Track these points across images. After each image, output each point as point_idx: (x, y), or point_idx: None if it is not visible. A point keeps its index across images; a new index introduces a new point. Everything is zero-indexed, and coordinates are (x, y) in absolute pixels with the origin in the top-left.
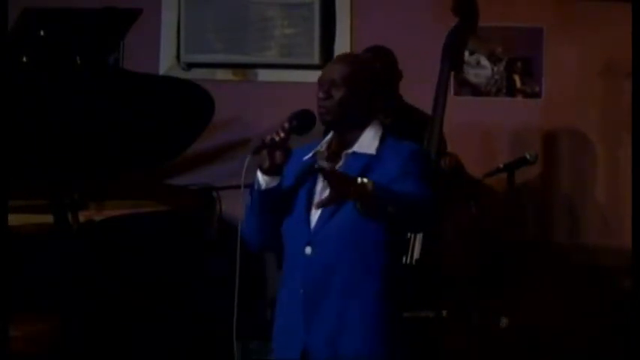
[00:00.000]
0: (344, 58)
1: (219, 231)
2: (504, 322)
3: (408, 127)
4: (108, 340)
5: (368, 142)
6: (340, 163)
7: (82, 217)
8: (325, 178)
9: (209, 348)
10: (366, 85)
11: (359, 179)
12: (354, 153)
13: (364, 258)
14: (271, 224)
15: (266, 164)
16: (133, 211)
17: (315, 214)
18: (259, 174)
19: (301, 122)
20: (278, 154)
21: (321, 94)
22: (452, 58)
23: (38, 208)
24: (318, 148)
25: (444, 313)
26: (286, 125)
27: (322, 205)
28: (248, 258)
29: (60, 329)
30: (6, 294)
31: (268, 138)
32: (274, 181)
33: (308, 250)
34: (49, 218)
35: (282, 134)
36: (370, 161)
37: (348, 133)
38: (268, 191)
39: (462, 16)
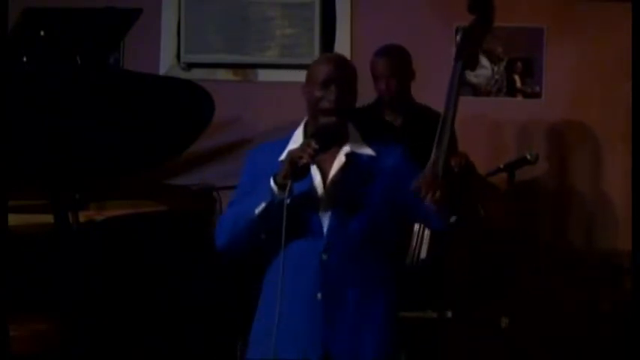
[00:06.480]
0: (340, 58)
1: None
2: (505, 322)
3: (419, 127)
4: (108, 340)
5: (357, 140)
6: (342, 162)
7: (83, 217)
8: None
9: (210, 348)
10: (355, 83)
11: None
12: (354, 153)
13: (378, 262)
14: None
15: (284, 180)
16: (133, 211)
17: (326, 219)
18: (276, 189)
19: (325, 141)
20: (303, 173)
21: (334, 93)
22: (466, 56)
23: (38, 208)
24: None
25: (449, 313)
26: (315, 146)
27: None
28: (248, 257)
29: (60, 329)
30: (6, 294)
31: (302, 162)
32: (284, 195)
33: (324, 256)
34: (49, 218)
35: (312, 155)
36: (370, 162)
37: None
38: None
39: (478, 13)
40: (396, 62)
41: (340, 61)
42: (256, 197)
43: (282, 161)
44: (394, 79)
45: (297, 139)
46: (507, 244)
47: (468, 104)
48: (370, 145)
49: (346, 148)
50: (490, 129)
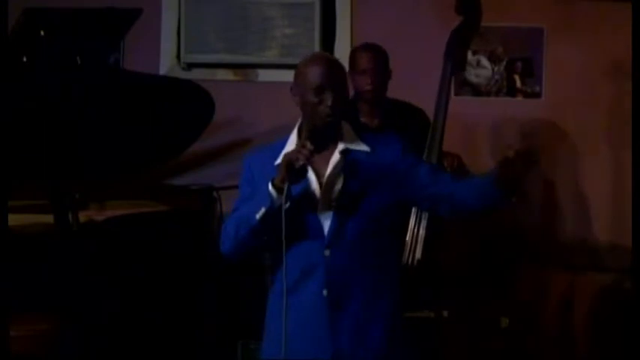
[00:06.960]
0: (330, 60)
1: (220, 231)
2: (505, 322)
3: (396, 127)
4: (108, 340)
5: (351, 137)
6: (336, 160)
7: (83, 217)
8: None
9: (210, 348)
10: (347, 83)
11: None
12: (349, 150)
13: (380, 260)
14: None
15: (282, 184)
16: (133, 211)
17: (325, 219)
18: (275, 193)
19: (321, 142)
20: (300, 175)
21: (331, 99)
22: (455, 58)
23: (38, 208)
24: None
25: (445, 313)
26: (310, 148)
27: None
28: (248, 257)
29: (60, 329)
30: (6, 294)
31: (299, 164)
32: (282, 198)
33: (327, 252)
34: (49, 218)
35: (308, 156)
36: (366, 158)
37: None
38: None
39: (465, 15)
40: (381, 58)
41: (332, 62)
42: (256, 203)
43: (278, 165)
44: (379, 73)
45: (292, 142)
46: (507, 244)
47: (468, 104)
48: (366, 141)
49: (340, 146)
50: (490, 129)
